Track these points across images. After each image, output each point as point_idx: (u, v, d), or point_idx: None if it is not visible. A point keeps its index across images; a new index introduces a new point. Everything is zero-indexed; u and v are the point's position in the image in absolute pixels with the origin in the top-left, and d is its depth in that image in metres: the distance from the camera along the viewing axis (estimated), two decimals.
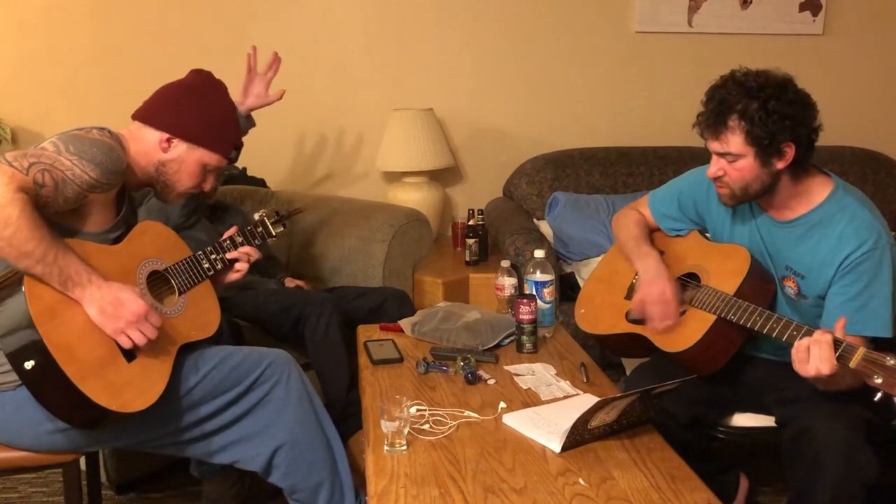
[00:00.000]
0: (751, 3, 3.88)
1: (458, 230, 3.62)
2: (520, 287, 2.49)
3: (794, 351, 1.68)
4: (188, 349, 1.82)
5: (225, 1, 3.68)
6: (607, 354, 2.67)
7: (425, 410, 1.81)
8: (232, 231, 2.04)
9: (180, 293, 1.87)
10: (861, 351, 1.58)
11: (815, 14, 3.92)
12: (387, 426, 1.63)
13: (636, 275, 2.20)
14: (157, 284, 1.85)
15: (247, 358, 1.84)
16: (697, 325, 1.93)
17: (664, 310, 1.98)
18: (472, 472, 1.55)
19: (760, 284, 1.95)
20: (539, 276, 2.33)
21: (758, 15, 3.89)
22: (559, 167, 3.63)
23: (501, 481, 1.52)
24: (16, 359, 1.55)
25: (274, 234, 2.07)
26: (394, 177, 3.79)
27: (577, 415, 1.59)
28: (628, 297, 2.18)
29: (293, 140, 3.82)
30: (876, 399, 1.56)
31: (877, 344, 1.73)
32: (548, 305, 2.32)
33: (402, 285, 3.02)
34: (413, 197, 3.60)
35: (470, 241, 3.37)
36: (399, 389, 1.94)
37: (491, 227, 3.49)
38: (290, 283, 2.84)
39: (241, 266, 2.01)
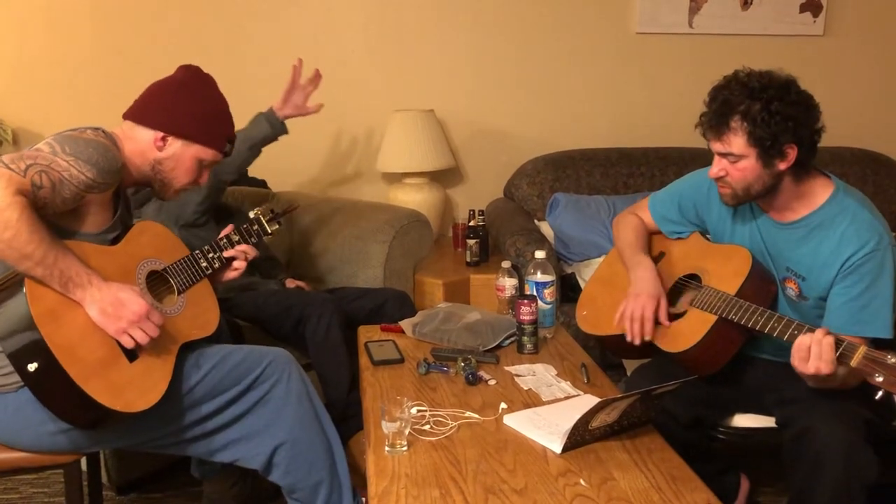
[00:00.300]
0: (751, 3, 3.88)
1: (458, 231, 3.62)
2: (520, 288, 2.49)
3: (794, 349, 1.68)
4: (188, 348, 1.82)
5: (225, 1, 3.68)
6: (608, 355, 2.67)
7: (426, 411, 1.81)
8: (228, 230, 2.04)
9: (179, 292, 1.87)
10: (862, 350, 1.58)
11: (815, 15, 3.92)
12: (387, 427, 1.63)
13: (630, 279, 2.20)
14: (156, 284, 1.85)
15: (247, 357, 1.84)
16: (698, 326, 1.93)
17: (639, 327, 2.00)
18: (472, 473, 1.55)
19: (761, 285, 1.95)
20: (540, 276, 2.33)
21: (758, 16, 3.89)
22: (560, 168, 3.63)
23: (502, 482, 1.52)
24: (19, 361, 1.56)
25: (269, 231, 2.07)
26: (394, 178, 3.79)
27: (578, 415, 1.59)
28: None
29: (294, 141, 3.80)
30: (877, 398, 1.57)
31: (877, 345, 1.72)
32: (548, 306, 2.33)
33: (402, 286, 3.02)
34: (414, 198, 3.60)
35: (471, 242, 3.37)
36: (400, 390, 1.94)
37: (492, 227, 3.49)
38: (291, 283, 2.84)
39: (239, 264, 2.01)
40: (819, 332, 1.65)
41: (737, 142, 1.82)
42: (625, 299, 2.06)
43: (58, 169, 1.60)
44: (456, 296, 3.16)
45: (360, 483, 1.92)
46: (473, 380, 1.98)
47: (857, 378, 1.68)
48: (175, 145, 1.86)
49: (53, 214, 1.63)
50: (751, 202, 1.97)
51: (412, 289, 3.13)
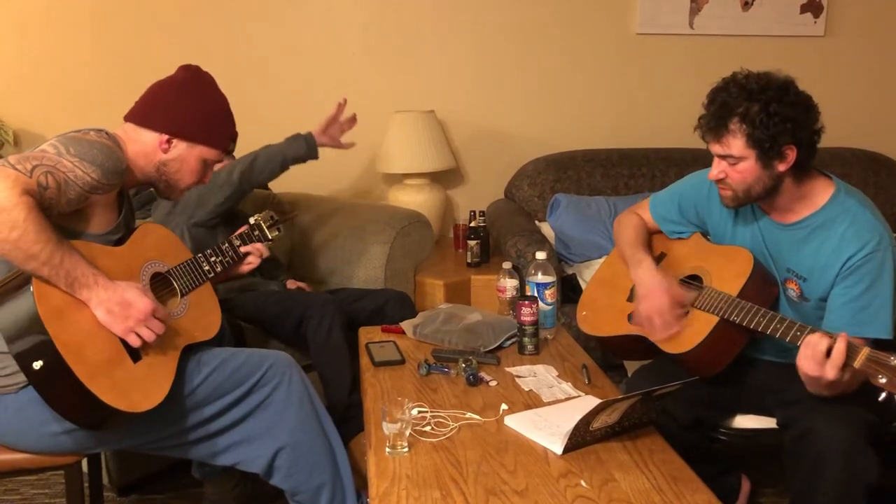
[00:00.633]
0: (752, 4, 3.88)
1: (459, 232, 3.62)
2: (521, 289, 2.49)
3: (803, 346, 1.67)
4: (190, 351, 1.82)
5: (225, 2, 3.68)
6: (609, 356, 2.67)
7: (427, 412, 1.81)
8: (241, 231, 2.10)
9: (182, 295, 1.88)
10: (865, 351, 1.58)
11: (816, 16, 3.92)
12: (388, 428, 1.63)
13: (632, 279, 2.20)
14: (159, 287, 1.86)
15: (248, 360, 1.85)
16: (700, 327, 1.93)
17: (662, 321, 1.98)
18: (473, 474, 1.55)
19: (763, 286, 1.95)
20: (541, 277, 2.33)
21: (759, 16, 3.89)
22: (561, 169, 3.63)
23: (503, 483, 1.52)
24: (24, 359, 1.56)
25: (270, 237, 2.11)
26: (395, 178, 3.79)
27: (579, 416, 1.59)
28: (630, 299, 2.18)
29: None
30: (880, 399, 1.57)
31: (877, 346, 1.72)
32: (549, 307, 2.33)
33: (403, 287, 3.02)
34: (414, 199, 3.60)
35: (471, 243, 3.37)
36: (401, 391, 1.94)
37: (492, 228, 3.49)
38: (292, 284, 2.84)
39: (253, 259, 2.07)
40: (827, 336, 1.64)
41: (736, 144, 1.82)
42: (635, 303, 2.05)
43: (63, 170, 1.61)
44: (457, 297, 3.16)
45: (361, 484, 1.93)
46: (474, 381, 1.98)
47: (856, 382, 1.68)
48: (180, 147, 1.86)
49: (58, 215, 1.64)
50: (752, 204, 1.96)
51: (413, 290, 3.13)
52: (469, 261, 3.38)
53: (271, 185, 3.51)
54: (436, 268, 3.31)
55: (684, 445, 1.71)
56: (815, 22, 3.93)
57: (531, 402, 1.88)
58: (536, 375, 2.03)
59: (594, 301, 2.31)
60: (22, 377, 1.59)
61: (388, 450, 1.64)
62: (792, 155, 1.80)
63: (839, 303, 1.82)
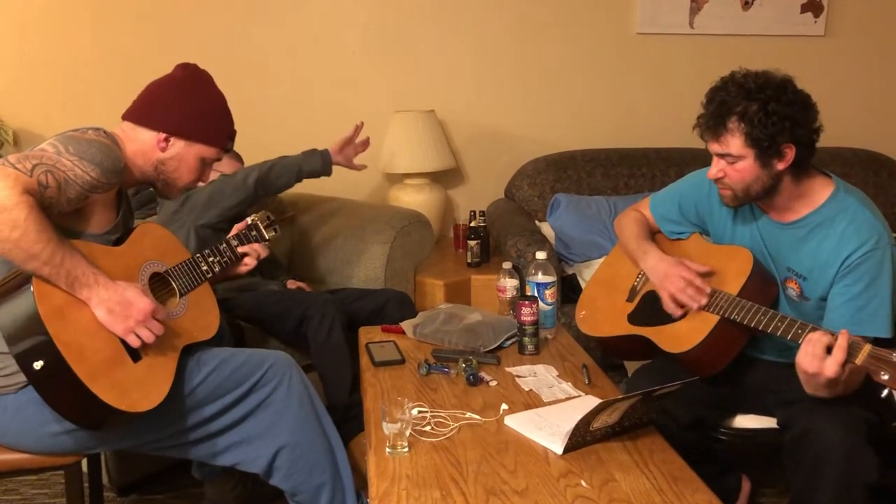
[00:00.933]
0: (752, 4, 3.87)
1: (459, 232, 3.62)
2: (521, 289, 2.49)
3: (804, 343, 1.67)
4: (190, 351, 1.82)
5: (226, 2, 3.68)
6: (609, 356, 2.67)
7: (427, 412, 1.81)
8: (235, 230, 2.09)
9: (181, 295, 1.88)
10: (867, 348, 1.58)
11: (816, 15, 3.92)
12: (388, 428, 1.63)
13: (638, 276, 2.20)
14: (157, 287, 1.85)
15: (248, 360, 1.85)
16: (700, 326, 1.93)
17: (693, 289, 1.96)
18: (473, 474, 1.55)
19: (763, 285, 1.94)
20: (541, 277, 2.33)
21: (759, 16, 3.89)
22: (561, 169, 3.63)
23: (503, 483, 1.52)
24: (24, 359, 1.56)
25: (266, 237, 2.11)
26: (395, 178, 3.79)
27: (579, 416, 1.59)
28: (630, 299, 2.18)
29: (295, 142, 3.79)
30: (883, 395, 1.57)
31: (876, 344, 1.72)
32: (549, 307, 2.32)
33: (403, 287, 3.02)
34: (414, 198, 3.60)
35: (471, 243, 3.37)
36: (401, 391, 1.94)
37: (492, 228, 3.49)
38: (292, 284, 2.84)
39: (250, 261, 2.06)
40: (828, 335, 1.64)
41: (734, 143, 1.82)
42: (655, 286, 2.05)
43: (63, 169, 1.61)
44: (457, 297, 3.16)
45: (360, 484, 1.93)
46: (474, 381, 1.98)
47: (854, 383, 1.68)
48: (178, 145, 1.86)
49: (58, 215, 1.64)
50: (751, 203, 1.96)
51: (413, 290, 3.13)
52: (469, 261, 3.38)
53: None
54: (436, 268, 3.31)
55: (684, 445, 1.71)
56: (816, 22, 3.93)
57: (531, 401, 1.88)
58: (536, 375, 2.03)
59: (592, 301, 2.31)
60: (22, 377, 1.59)
61: (388, 450, 1.64)
62: (791, 153, 1.80)
63: (838, 302, 1.82)
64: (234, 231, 2.09)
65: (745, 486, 2.26)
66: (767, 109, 1.77)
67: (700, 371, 1.92)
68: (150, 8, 3.63)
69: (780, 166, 1.82)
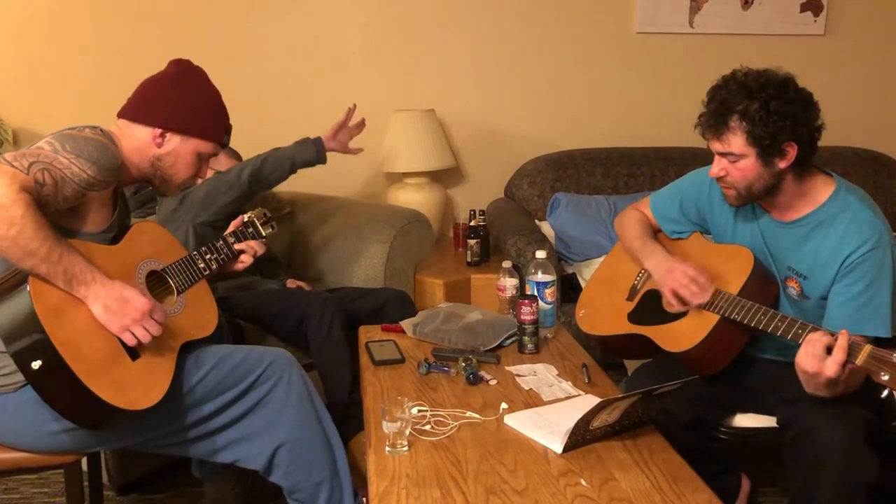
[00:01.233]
0: (752, 3, 3.87)
1: (459, 231, 3.62)
2: (521, 288, 2.49)
3: (805, 343, 1.67)
4: (189, 349, 1.82)
5: (226, 2, 3.68)
6: (609, 355, 2.67)
7: (427, 411, 1.81)
8: (233, 226, 2.09)
9: (179, 292, 1.88)
10: (868, 348, 1.58)
11: (816, 15, 3.92)
12: (388, 427, 1.63)
13: (638, 275, 2.20)
14: (154, 285, 1.85)
15: (247, 357, 1.84)
16: (700, 325, 1.93)
17: (694, 288, 1.96)
18: (473, 473, 1.55)
19: (763, 285, 1.94)
20: (540, 276, 2.33)
21: (759, 15, 3.89)
22: (560, 168, 3.63)
23: (503, 482, 1.51)
24: (22, 359, 1.55)
25: (263, 234, 2.10)
26: (395, 178, 3.79)
27: (579, 415, 1.59)
28: (630, 298, 2.18)
29: (294, 141, 3.82)
30: (883, 396, 1.57)
31: (877, 344, 1.72)
32: (549, 306, 2.32)
33: (403, 286, 3.02)
34: (414, 198, 3.60)
35: (471, 242, 3.37)
36: (400, 390, 1.94)
37: (492, 227, 3.49)
38: (292, 284, 2.84)
39: (247, 258, 2.05)
40: (828, 335, 1.64)
41: (736, 141, 1.82)
42: (658, 283, 2.05)
43: (59, 167, 1.61)
44: (456, 296, 3.16)
45: (360, 483, 1.92)
46: (474, 380, 1.98)
47: (854, 384, 1.68)
48: (174, 141, 1.86)
49: (55, 213, 1.63)
50: (754, 202, 1.96)
51: (413, 289, 3.13)
52: (469, 260, 3.38)
53: None
54: (435, 267, 3.31)
55: (684, 444, 1.71)
56: (815, 21, 3.93)
57: (531, 400, 1.88)
58: (536, 374, 2.03)
59: (591, 300, 2.31)
60: (21, 376, 1.59)
61: (387, 449, 1.64)
62: (792, 152, 1.80)
63: (839, 301, 1.82)
64: (230, 228, 2.08)
65: (745, 485, 2.26)
66: (769, 108, 1.77)
67: (700, 370, 1.92)
68: (150, 7, 3.63)
69: (782, 165, 1.82)
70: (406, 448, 1.64)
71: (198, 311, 1.90)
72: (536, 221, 3.53)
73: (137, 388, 1.64)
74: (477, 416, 1.80)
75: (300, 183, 3.65)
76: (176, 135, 1.86)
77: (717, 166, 1.90)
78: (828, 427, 1.71)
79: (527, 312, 2.15)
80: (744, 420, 2.03)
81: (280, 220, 2.20)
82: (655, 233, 2.25)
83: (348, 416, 2.36)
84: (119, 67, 3.58)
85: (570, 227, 3.37)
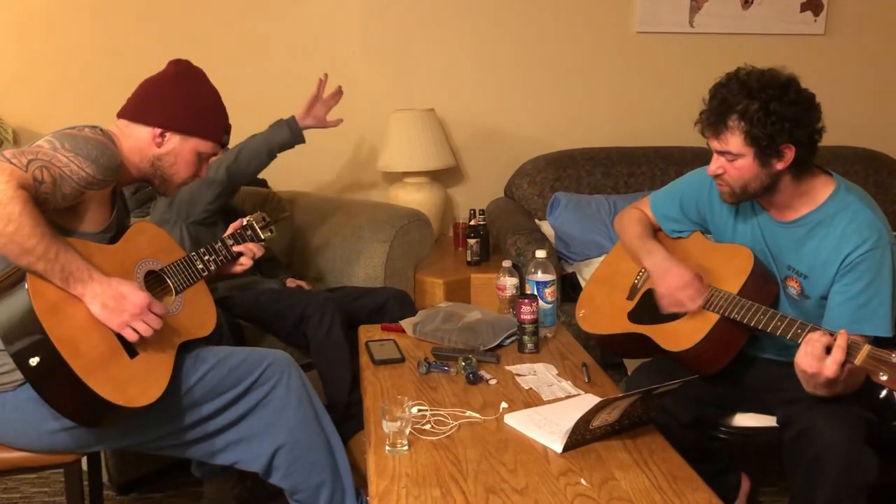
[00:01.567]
0: (752, 3, 3.87)
1: (459, 230, 3.62)
2: (521, 287, 2.49)
3: (804, 343, 1.67)
4: (188, 349, 1.82)
5: (226, 1, 3.68)
6: (609, 355, 2.67)
7: (427, 410, 1.81)
8: (234, 227, 2.09)
9: (177, 292, 1.88)
10: (867, 348, 1.58)
11: (816, 14, 3.92)
12: (388, 426, 1.63)
13: (638, 274, 2.20)
14: (153, 285, 1.85)
15: (246, 359, 1.84)
16: (700, 324, 1.93)
17: (690, 291, 1.96)
18: (473, 473, 1.55)
19: (763, 284, 1.94)
20: (540, 276, 2.33)
21: (759, 15, 3.89)
22: (560, 167, 3.63)
23: (503, 481, 1.51)
24: (20, 356, 1.55)
25: (262, 237, 2.10)
26: (395, 177, 3.79)
27: (579, 415, 1.59)
28: (630, 297, 2.18)
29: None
30: (881, 396, 1.57)
31: (876, 343, 1.72)
32: (549, 305, 2.32)
33: (403, 285, 3.02)
34: (414, 197, 3.60)
35: (471, 242, 3.37)
36: (400, 390, 1.94)
37: (492, 227, 3.49)
38: (292, 283, 2.84)
39: (246, 260, 2.05)
40: (828, 335, 1.64)
41: (734, 141, 1.82)
42: (655, 285, 2.04)
43: (58, 165, 1.61)
44: (456, 295, 3.16)
45: (360, 483, 1.93)
46: (474, 379, 1.98)
47: (854, 384, 1.68)
48: (173, 140, 1.86)
49: (53, 211, 1.64)
50: (751, 201, 1.96)
51: (413, 288, 3.13)
52: (469, 259, 3.38)
53: (271, 183, 3.52)
54: (435, 266, 3.31)
55: (684, 444, 1.71)
56: (815, 20, 3.93)
57: (531, 400, 1.88)
58: (536, 374, 2.03)
59: (591, 300, 2.31)
60: (19, 374, 1.59)
61: (387, 448, 1.64)
62: (790, 154, 1.80)
63: (838, 300, 1.82)
64: (229, 230, 2.08)
65: (745, 484, 2.26)
66: (768, 109, 1.77)
67: (700, 369, 1.92)
68: (150, 7, 3.63)
69: (779, 166, 1.82)
70: (406, 447, 1.64)
71: (196, 311, 1.90)
72: (536, 221, 3.53)
73: (135, 386, 1.64)
74: (477, 415, 1.80)
75: (300, 183, 3.67)
76: (176, 134, 1.86)
77: (715, 164, 1.90)
78: (828, 427, 1.71)
79: (527, 312, 2.15)
80: (744, 420, 2.03)
81: (279, 224, 2.19)
82: (655, 232, 2.25)
83: (348, 415, 2.36)
84: (119, 67, 3.58)
85: (569, 227, 3.37)
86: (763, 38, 3.91)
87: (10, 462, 1.77)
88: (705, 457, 1.99)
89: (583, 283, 3.16)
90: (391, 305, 2.66)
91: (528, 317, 2.15)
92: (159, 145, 1.85)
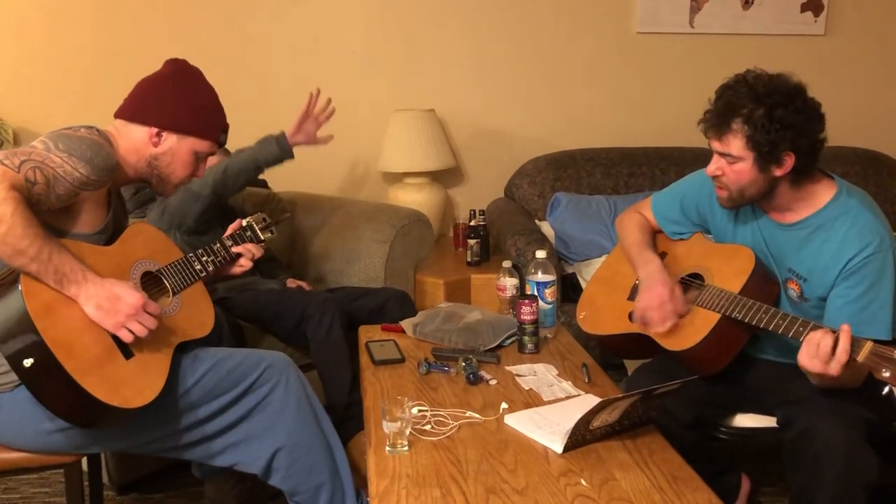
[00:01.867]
0: (752, 3, 3.87)
1: (459, 231, 3.62)
2: (521, 287, 2.49)
3: (805, 343, 1.67)
4: (186, 350, 1.82)
5: (226, 1, 3.68)
6: (609, 355, 2.67)
7: (427, 411, 1.81)
8: (234, 227, 2.08)
9: (174, 293, 1.87)
10: (869, 345, 1.58)
11: (816, 14, 3.92)
12: (388, 427, 1.63)
13: (638, 278, 2.20)
14: (149, 286, 1.85)
15: (244, 360, 1.84)
16: (701, 324, 1.93)
17: (661, 313, 1.98)
18: (473, 473, 1.55)
19: (764, 284, 1.94)
20: (541, 276, 2.33)
21: (759, 15, 3.89)
22: (561, 168, 3.63)
23: (503, 482, 1.51)
24: (14, 358, 1.55)
25: (262, 238, 2.10)
26: (395, 178, 3.79)
27: (579, 415, 1.59)
28: (631, 297, 2.18)
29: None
30: (884, 393, 1.57)
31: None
32: (549, 306, 2.32)
33: (403, 286, 3.02)
34: (414, 198, 3.60)
35: (471, 242, 3.37)
36: (401, 390, 1.94)
37: (492, 227, 3.49)
38: (292, 283, 2.84)
39: (245, 262, 2.04)
40: (829, 334, 1.64)
41: (735, 143, 1.82)
42: (638, 296, 2.05)
43: (52, 165, 1.61)
44: (457, 295, 3.16)
45: (360, 483, 1.92)
46: (474, 380, 1.98)
47: (861, 376, 1.68)
48: (170, 140, 1.86)
49: (47, 213, 1.63)
50: (745, 205, 1.97)
51: (413, 288, 3.13)
52: (469, 260, 3.38)
53: (271, 183, 3.52)
54: (436, 266, 3.31)
55: (684, 444, 1.71)
56: (816, 21, 3.93)
57: (531, 400, 1.88)
58: (536, 374, 2.03)
59: (593, 301, 2.30)
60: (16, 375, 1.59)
61: (388, 448, 1.64)
62: (790, 161, 1.80)
63: (839, 304, 1.82)
64: (229, 231, 2.08)
65: (745, 485, 2.26)
66: (773, 115, 1.77)
67: (701, 369, 1.92)
68: (150, 7, 3.63)
69: (778, 173, 1.82)
70: (406, 448, 1.64)
71: (194, 312, 1.90)
72: (536, 221, 3.53)
73: (131, 387, 1.64)
74: (477, 415, 1.80)
75: (300, 183, 3.66)
76: (172, 134, 1.86)
77: (714, 165, 1.90)
78: (828, 427, 1.71)
79: (527, 312, 2.14)
80: (744, 420, 2.02)
81: (279, 225, 2.19)
82: (655, 233, 2.25)
83: (348, 416, 2.36)
84: (119, 68, 3.57)
85: (570, 227, 3.37)
86: (763, 38, 3.91)
87: (10, 462, 1.77)
88: (705, 457, 1.99)
89: (583, 284, 3.16)
90: (391, 306, 2.66)
91: (529, 317, 2.15)
92: (156, 145, 1.85)
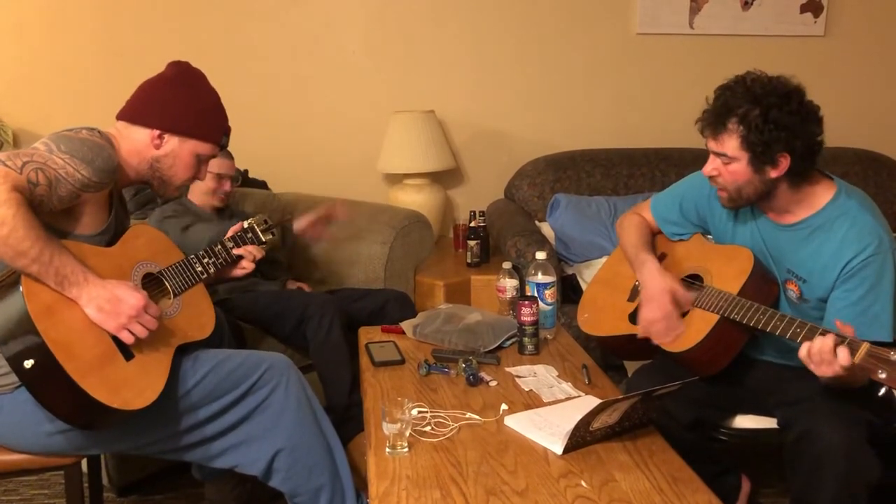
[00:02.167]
0: (752, 4, 3.87)
1: (459, 232, 3.62)
2: (521, 289, 2.49)
3: (807, 354, 1.66)
4: (187, 351, 1.82)
5: (226, 2, 3.68)
6: (609, 356, 2.67)
7: (427, 412, 1.81)
8: (235, 229, 2.08)
9: (175, 295, 1.87)
10: (865, 346, 1.58)
11: (816, 15, 3.92)
12: (388, 428, 1.63)
13: (637, 280, 2.20)
14: (150, 288, 1.85)
15: (244, 362, 1.84)
16: (700, 325, 1.93)
17: (665, 326, 1.98)
18: (473, 474, 1.55)
19: (763, 285, 1.94)
20: (541, 277, 2.33)
21: (759, 16, 3.89)
22: (560, 169, 3.63)
23: (503, 483, 1.51)
24: (15, 359, 1.55)
25: (263, 240, 2.09)
26: (395, 179, 3.79)
27: (579, 416, 1.59)
28: (631, 298, 2.18)
29: (294, 142, 3.82)
30: (880, 394, 1.57)
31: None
32: (549, 307, 2.32)
33: (403, 287, 3.02)
34: (414, 199, 3.60)
35: (471, 243, 3.37)
36: (400, 391, 1.94)
37: (492, 228, 3.48)
38: (292, 284, 2.84)
39: (247, 264, 2.04)
40: (830, 337, 1.64)
41: (730, 144, 1.83)
42: (640, 310, 2.05)
43: (54, 167, 1.61)
44: (457, 297, 3.16)
45: (360, 484, 1.92)
46: (474, 381, 1.97)
47: (864, 376, 1.68)
48: (172, 142, 1.86)
49: (49, 214, 1.63)
50: (746, 206, 1.96)
51: (413, 290, 3.13)
52: (469, 261, 3.37)
53: (271, 184, 3.53)
54: (436, 268, 3.31)
55: (684, 445, 1.71)
56: (815, 22, 3.92)
57: (531, 402, 1.88)
58: (536, 375, 2.03)
59: (594, 302, 2.30)
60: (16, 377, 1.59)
61: (388, 450, 1.64)
62: (785, 163, 1.81)
63: (839, 306, 1.81)
64: (230, 233, 2.08)
65: (745, 486, 2.26)
66: (767, 116, 1.77)
67: (700, 371, 1.92)
68: (150, 8, 3.63)
69: (774, 174, 1.82)
70: (406, 449, 1.64)
71: (195, 314, 1.90)
72: (536, 222, 3.52)
73: (131, 389, 1.64)
74: (477, 417, 1.80)
75: (300, 184, 3.67)
76: (174, 136, 1.86)
77: (710, 165, 1.90)
78: (829, 428, 1.71)
79: (527, 314, 2.14)
80: (744, 421, 2.03)
81: (280, 227, 2.19)
82: (655, 235, 2.25)
83: (348, 417, 2.36)
84: (119, 68, 3.58)
85: (570, 228, 3.37)
86: (763, 39, 3.91)
87: (10, 464, 1.77)
88: (705, 458, 1.99)
89: (583, 285, 3.16)
90: (391, 307, 2.66)
91: (529, 318, 2.15)
92: (158, 147, 1.85)
